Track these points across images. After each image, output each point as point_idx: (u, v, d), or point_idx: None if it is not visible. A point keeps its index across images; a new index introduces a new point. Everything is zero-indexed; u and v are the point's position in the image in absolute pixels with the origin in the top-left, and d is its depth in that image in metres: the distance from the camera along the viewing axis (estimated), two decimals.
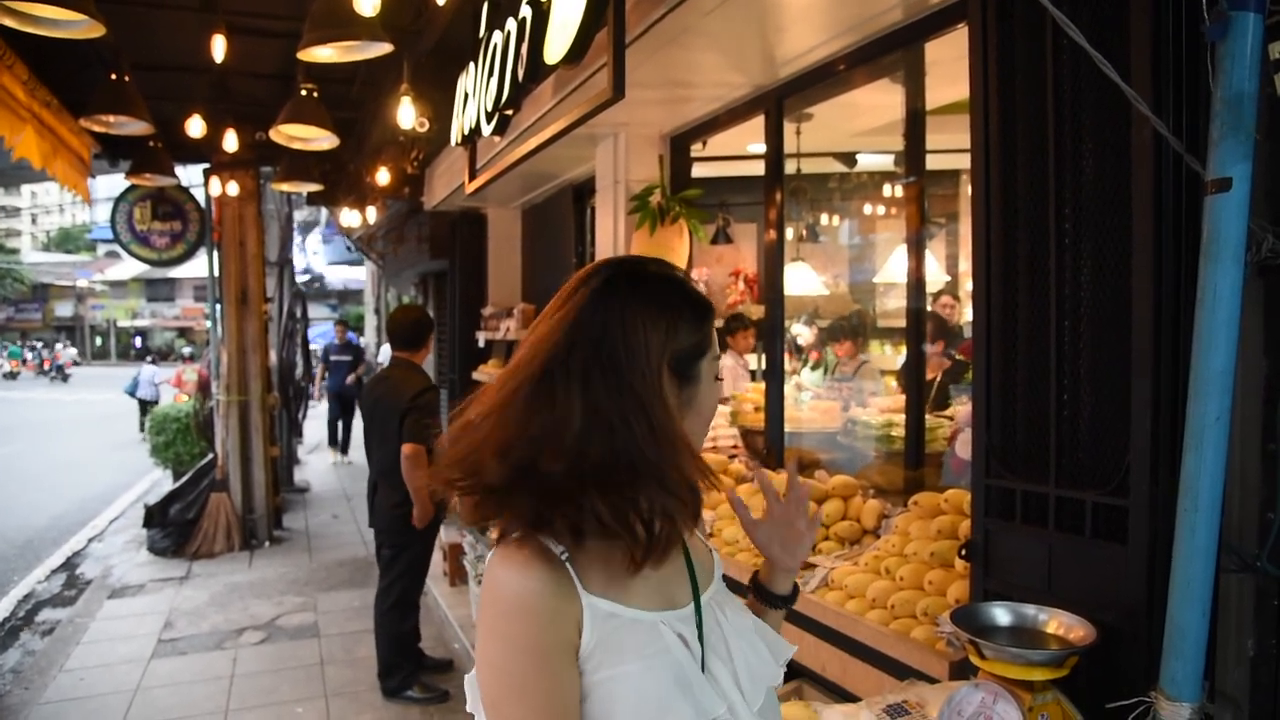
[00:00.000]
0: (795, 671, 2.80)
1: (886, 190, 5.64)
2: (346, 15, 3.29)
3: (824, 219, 6.17)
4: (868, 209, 5.88)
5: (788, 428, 4.11)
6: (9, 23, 3.09)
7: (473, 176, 4.08)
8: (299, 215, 13.56)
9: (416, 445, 4.00)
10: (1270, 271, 1.63)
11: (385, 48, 3.48)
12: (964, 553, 2.09)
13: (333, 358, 12.40)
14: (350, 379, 12.07)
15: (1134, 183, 1.65)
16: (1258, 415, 1.65)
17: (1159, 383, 1.62)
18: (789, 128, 4.44)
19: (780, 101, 3.85)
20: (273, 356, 8.50)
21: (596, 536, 0.99)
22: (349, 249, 12.80)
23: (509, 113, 3.19)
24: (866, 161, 5.59)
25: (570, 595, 0.98)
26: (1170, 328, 1.61)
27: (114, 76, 4.55)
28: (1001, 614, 1.75)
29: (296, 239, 13.00)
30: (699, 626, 1.06)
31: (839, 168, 5.67)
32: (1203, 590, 1.45)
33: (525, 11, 2.76)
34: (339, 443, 12.26)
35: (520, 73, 2.87)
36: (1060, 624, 1.69)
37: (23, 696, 4.27)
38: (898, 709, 1.93)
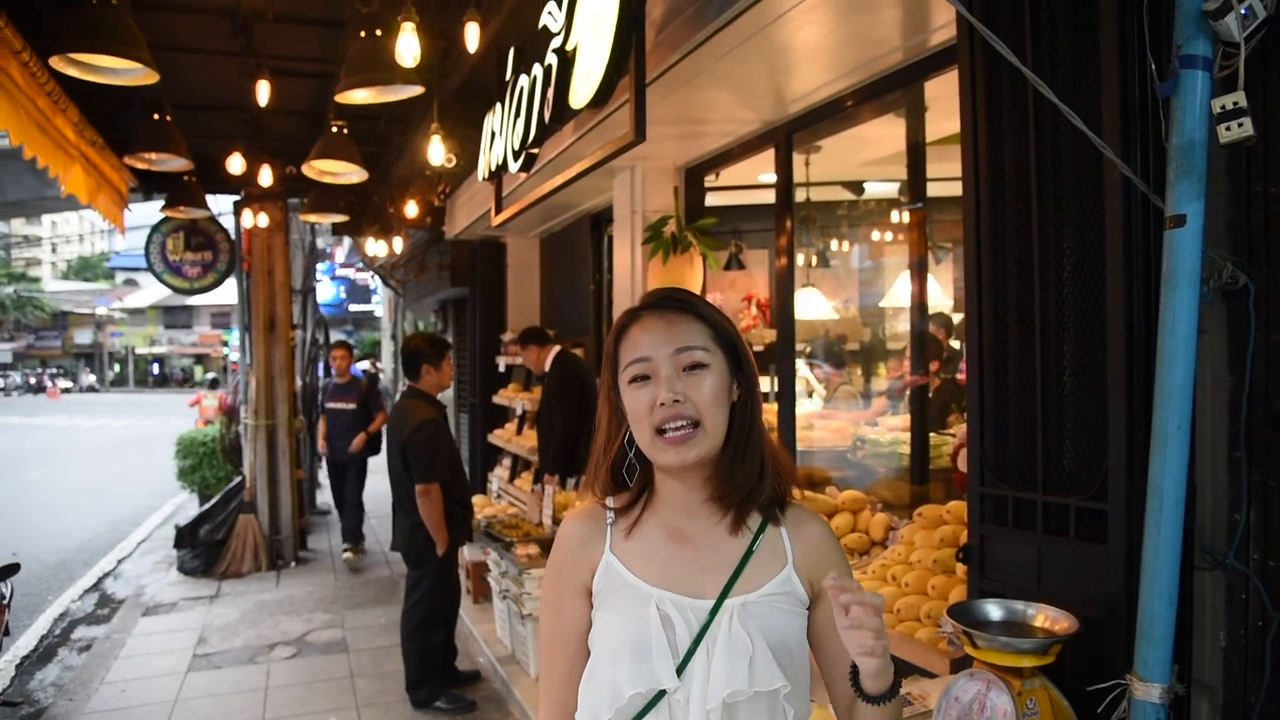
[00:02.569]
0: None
1: (895, 217, 5.83)
2: (381, 61, 3.52)
3: (834, 245, 6.36)
4: (876, 235, 6.06)
5: (800, 446, 4.28)
6: (73, 73, 3.34)
7: (499, 210, 4.29)
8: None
9: (427, 484, 4.16)
10: (1232, 295, 1.80)
11: (417, 90, 3.72)
12: (961, 556, 2.26)
13: (329, 405, 7.84)
14: (357, 442, 7.62)
15: (1107, 218, 1.83)
16: (1225, 425, 1.82)
17: (1132, 398, 1.79)
18: (798, 159, 4.66)
19: (789, 136, 4.06)
20: (297, 382, 8.73)
21: (652, 518, 1.31)
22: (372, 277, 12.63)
23: (534, 151, 3.40)
24: (874, 189, 5.78)
25: (595, 545, 1.30)
26: (1142, 348, 1.79)
27: (156, 116, 4.81)
28: (994, 609, 1.91)
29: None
30: (709, 621, 1.22)
31: (848, 196, 5.86)
32: (1169, 581, 1.62)
33: (551, 59, 2.98)
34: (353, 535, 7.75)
35: (546, 115, 3.08)
36: (1046, 617, 1.85)
37: (68, 707, 4.46)
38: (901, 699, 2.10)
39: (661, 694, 1.20)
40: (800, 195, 5.24)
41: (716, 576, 1.26)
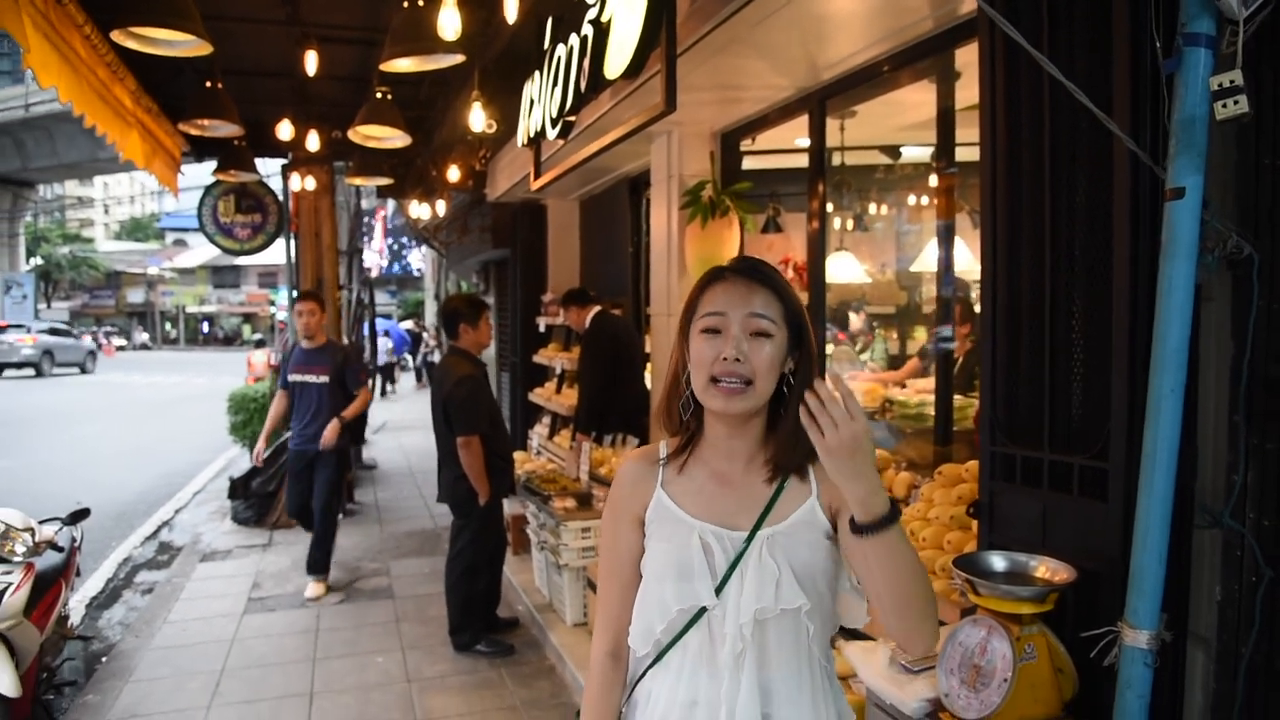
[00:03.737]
0: None
1: (933, 181, 5.82)
2: (424, 30, 3.63)
3: (870, 209, 6.37)
4: (912, 199, 6.08)
5: None
6: (132, 45, 3.51)
7: (538, 175, 4.41)
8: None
9: (467, 435, 4.34)
10: (1237, 265, 1.87)
11: (458, 59, 3.84)
12: (972, 511, 2.37)
13: (291, 376, 5.69)
14: (329, 434, 5.46)
15: (1115, 189, 1.90)
16: (1226, 390, 1.90)
17: (1134, 362, 1.87)
18: (833, 124, 4.69)
19: (823, 102, 4.10)
20: (343, 340, 8.98)
21: (698, 461, 1.47)
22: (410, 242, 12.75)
23: (571, 119, 3.50)
24: (911, 154, 5.78)
25: (648, 483, 1.48)
26: (1145, 315, 1.86)
27: (208, 84, 4.98)
28: (998, 560, 2.02)
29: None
30: (743, 550, 1.39)
31: (882, 160, 5.87)
32: (1159, 536, 1.72)
33: (587, 29, 3.07)
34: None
35: (583, 84, 3.18)
36: (1047, 568, 1.96)
37: (135, 643, 4.77)
38: None
39: (702, 611, 1.39)
40: (836, 160, 5.28)
41: (751, 511, 1.42)
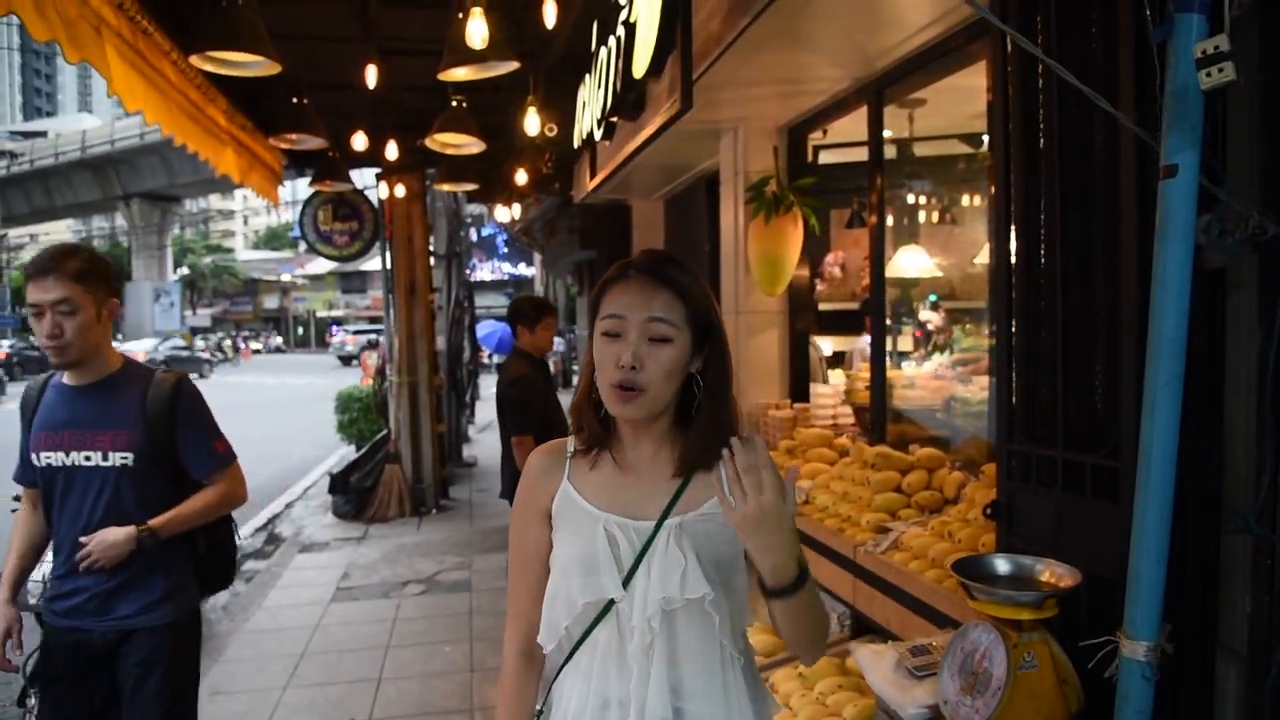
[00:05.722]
0: (865, 627, 3.03)
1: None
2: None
3: (957, 201, 6.15)
4: (977, 191, 5.82)
5: (899, 405, 4.26)
6: (209, 68, 3.75)
7: (593, 175, 4.46)
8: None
9: (520, 436, 4.41)
10: (1263, 247, 1.73)
11: (512, 66, 3.91)
12: (989, 512, 2.27)
13: (46, 456, 2.35)
14: (108, 538, 2.25)
15: (1121, 172, 1.79)
16: (1253, 383, 1.76)
17: (1143, 355, 1.75)
18: (901, 114, 4.55)
19: (880, 92, 3.99)
20: (441, 342, 9.29)
21: (607, 455, 1.46)
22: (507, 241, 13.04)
23: (614, 120, 3.53)
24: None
25: (555, 476, 1.47)
26: None
27: (295, 100, 5.25)
28: (1001, 564, 1.93)
29: None
30: (650, 540, 1.37)
31: (965, 149, 5.65)
32: (1156, 541, 1.61)
33: (620, 31, 3.10)
34: None
35: (618, 85, 3.21)
36: (1052, 573, 1.86)
37: (230, 626, 5.09)
38: (921, 649, 2.16)
39: (611, 604, 1.37)
40: (905, 151, 5.12)
41: (658, 501, 1.40)
